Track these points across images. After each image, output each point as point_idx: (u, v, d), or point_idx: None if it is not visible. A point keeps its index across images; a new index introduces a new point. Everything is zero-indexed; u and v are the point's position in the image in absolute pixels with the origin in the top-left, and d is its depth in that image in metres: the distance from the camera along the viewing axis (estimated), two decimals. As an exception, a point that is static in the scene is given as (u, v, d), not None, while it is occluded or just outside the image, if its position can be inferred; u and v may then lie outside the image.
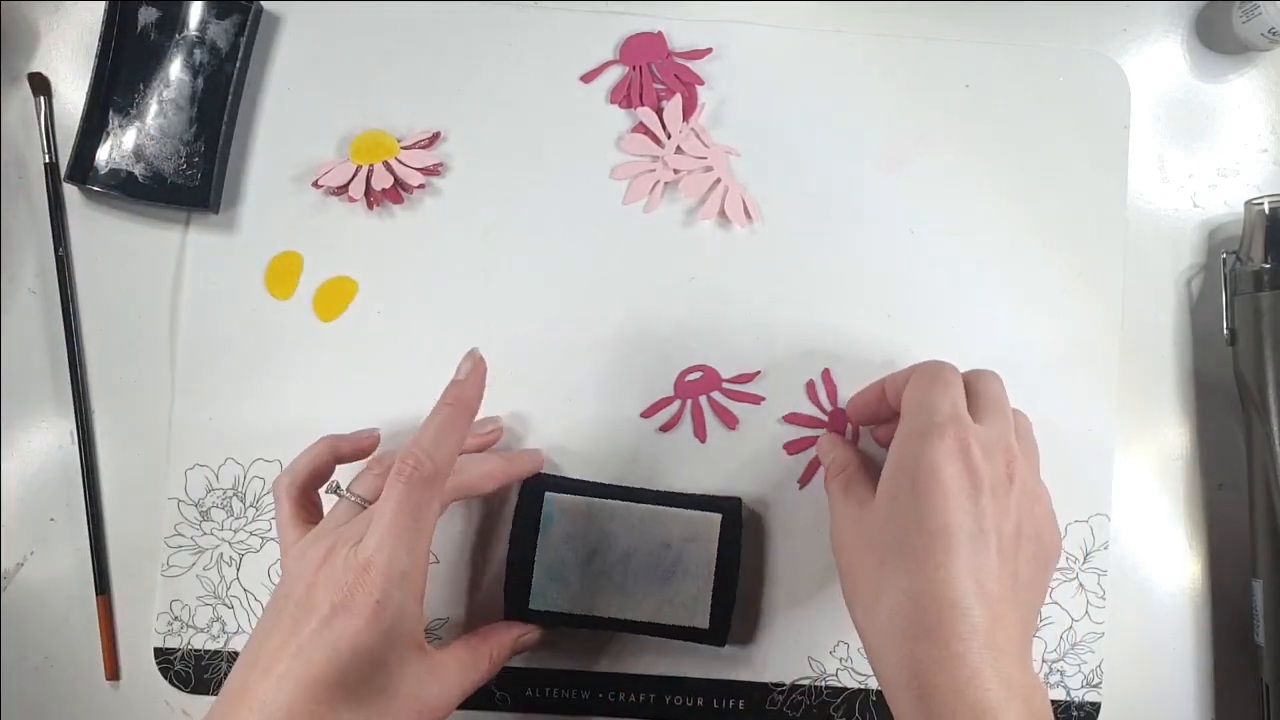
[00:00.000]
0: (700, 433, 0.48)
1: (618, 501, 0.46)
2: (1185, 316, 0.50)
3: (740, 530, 0.46)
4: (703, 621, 0.45)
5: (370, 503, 0.40)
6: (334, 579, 0.36)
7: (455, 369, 0.41)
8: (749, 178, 0.49)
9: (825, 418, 0.48)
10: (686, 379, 0.48)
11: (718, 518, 0.46)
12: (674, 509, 0.46)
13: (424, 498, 0.38)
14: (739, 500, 0.47)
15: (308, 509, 0.43)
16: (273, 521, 0.48)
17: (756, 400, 0.48)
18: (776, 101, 0.50)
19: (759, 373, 0.48)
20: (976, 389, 0.39)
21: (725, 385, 0.48)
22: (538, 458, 0.47)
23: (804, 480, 0.48)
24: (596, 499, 0.46)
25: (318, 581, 0.37)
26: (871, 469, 0.42)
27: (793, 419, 0.48)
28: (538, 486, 0.46)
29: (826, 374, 0.48)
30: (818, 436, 0.48)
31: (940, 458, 0.35)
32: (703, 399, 0.48)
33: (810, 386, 0.48)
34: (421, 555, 0.38)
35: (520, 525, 0.46)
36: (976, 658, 0.32)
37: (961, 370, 0.40)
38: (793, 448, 0.48)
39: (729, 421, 0.48)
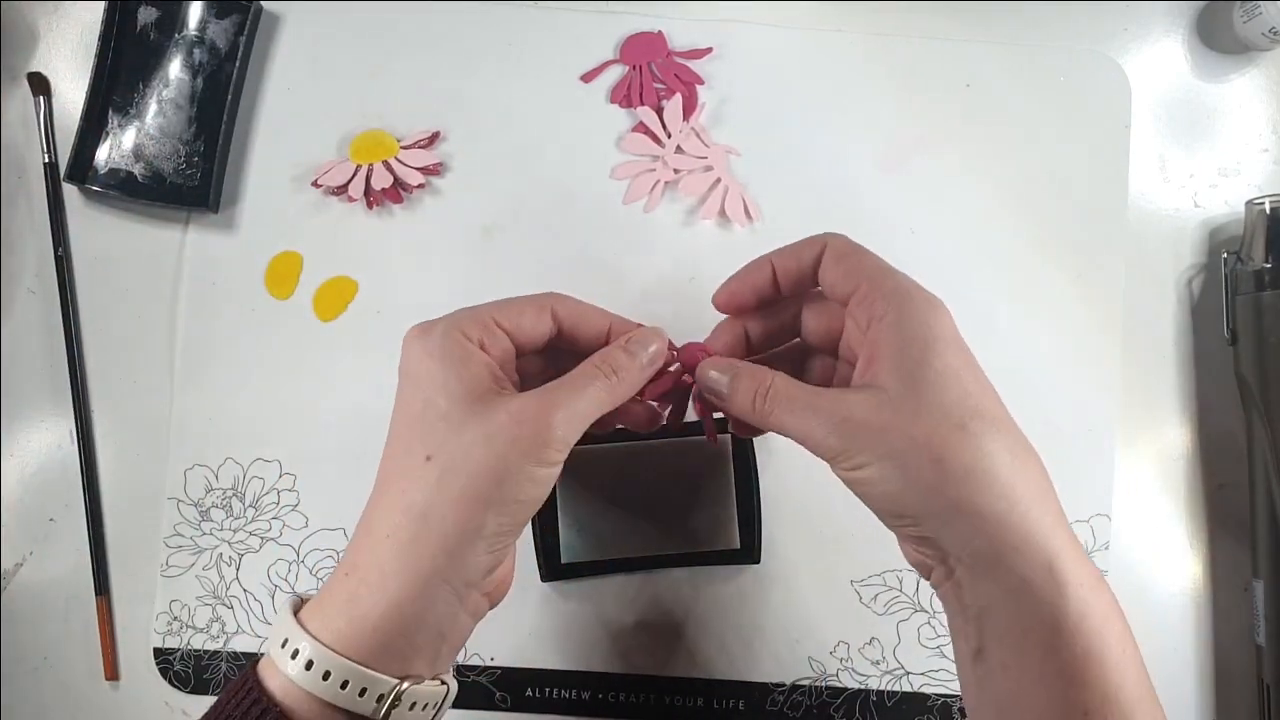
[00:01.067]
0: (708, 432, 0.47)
1: (627, 443, 0.46)
2: (1185, 316, 0.50)
3: (751, 445, 0.46)
4: (733, 542, 0.46)
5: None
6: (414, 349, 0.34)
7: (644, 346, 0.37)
8: (749, 178, 0.49)
9: (698, 344, 0.39)
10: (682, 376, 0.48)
11: (727, 438, 0.46)
12: (683, 439, 0.46)
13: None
14: None
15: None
16: (273, 521, 0.48)
17: None
18: (776, 101, 0.50)
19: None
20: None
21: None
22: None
23: (710, 435, 0.40)
24: (605, 444, 0.46)
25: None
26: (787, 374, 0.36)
27: (653, 393, 0.39)
28: None
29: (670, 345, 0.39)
30: (679, 379, 0.39)
31: (950, 329, 0.34)
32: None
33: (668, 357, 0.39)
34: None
35: None
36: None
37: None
38: (653, 393, 0.38)
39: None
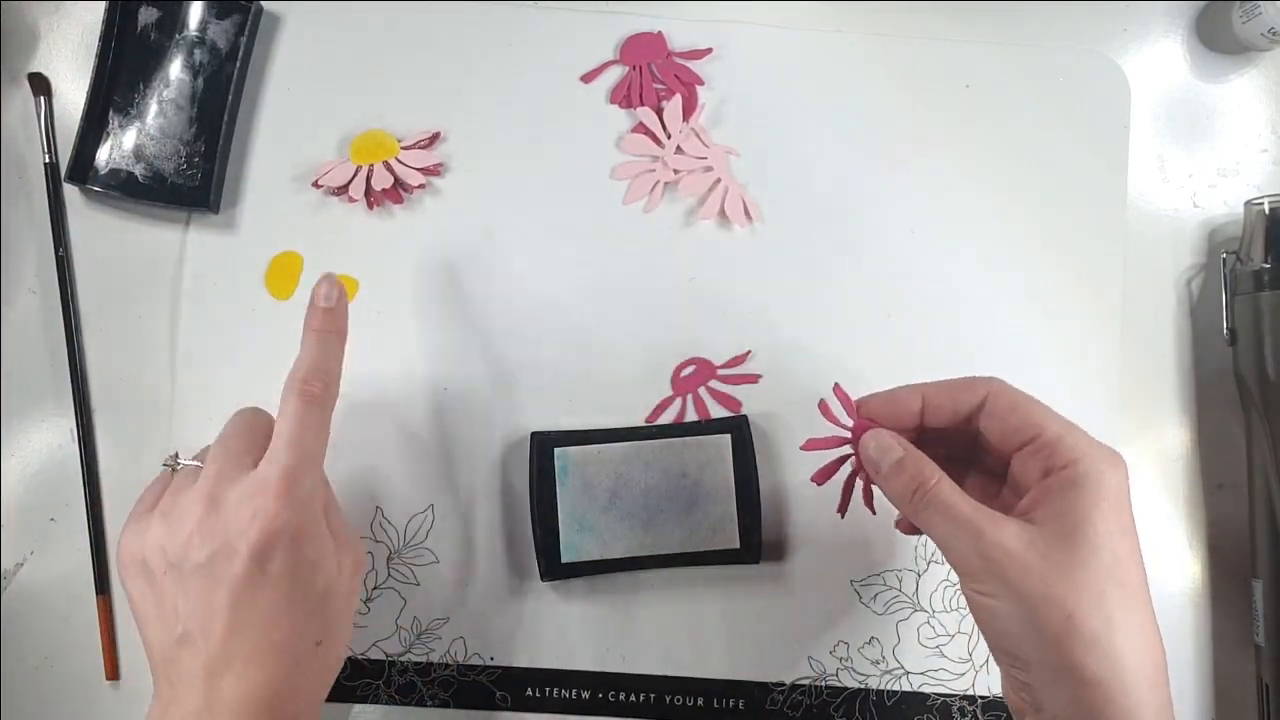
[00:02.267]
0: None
1: (627, 442, 0.47)
2: (1185, 316, 0.50)
3: (751, 446, 0.47)
4: (733, 542, 0.46)
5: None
6: (241, 511, 0.36)
7: (314, 294, 0.42)
8: (749, 178, 0.49)
9: (848, 434, 0.40)
10: (682, 374, 0.48)
11: (727, 438, 0.46)
12: (683, 438, 0.47)
13: (321, 417, 0.39)
14: (745, 417, 0.47)
15: None
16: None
17: (754, 379, 0.48)
18: (776, 101, 0.50)
19: (749, 352, 0.48)
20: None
21: (720, 372, 0.48)
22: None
23: (842, 508, 0.41)
24: (605, 444, 0.47)
25: (221, 526, 0.36)
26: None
27: (813, 445, 0.40)
28: (546, 444, 0.47)
29: (838, 389, 0.40)
30: (845, 456, 0.40)
31: (1121, 489, 0.34)
32: (701, 390, 0.48)
33: (824, 407, 0.40)
34: (322, 474, 0.39)
35: (538, 485, 0.46)
36: None
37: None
38: (821, 476, 0.41)
39: (732, 406, 0.48)
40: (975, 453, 0.39)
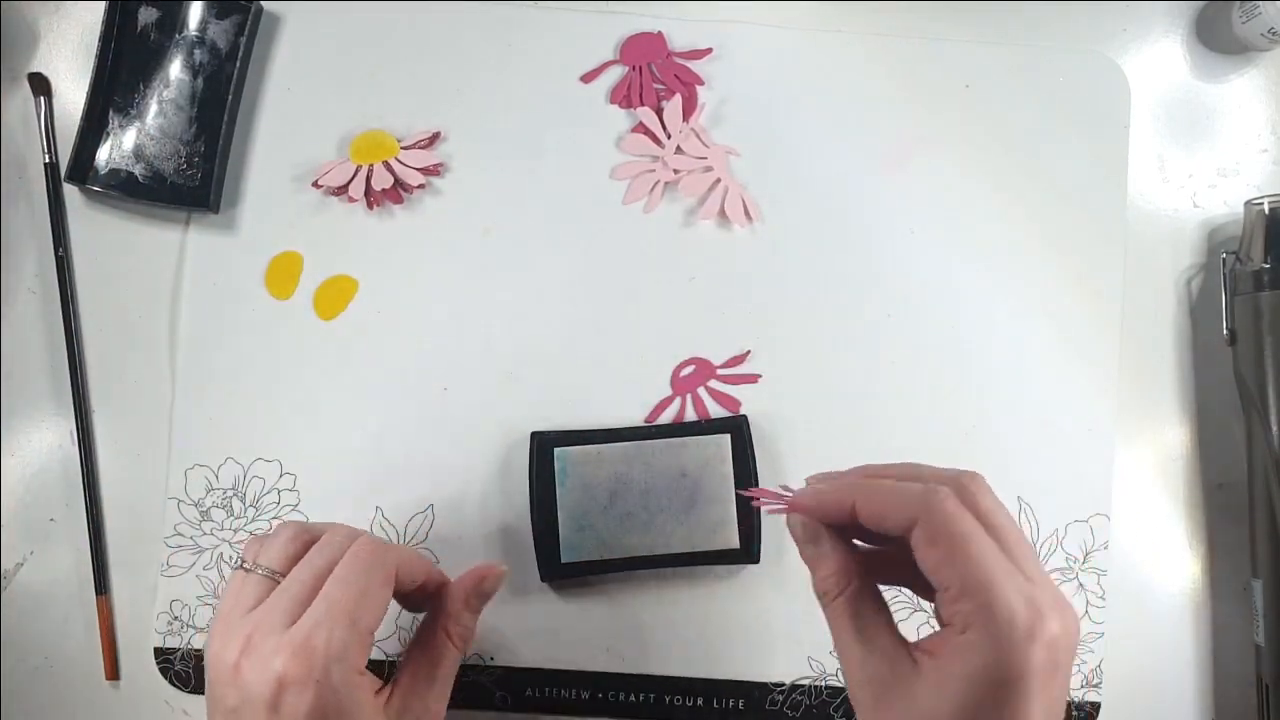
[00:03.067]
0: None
1: (627, 442, 0.47)
2: (1185, 316, 0.50)
3: (751, 446, 0.47)
4: (733, 542, 0.46)
5: (282, 575, 0.37)
6: (263, 669, 0.34)
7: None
8: (749, 178, 0.49)
9: (789, 495, 0.37)
10: (681, 374, 0.48)
11: (727, 438, 0.47)
12: (682, 438, 0.47)
13: (377, 580, 0.36)
14: (745, 417, 0.47)
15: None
16: (273, 521, 0.48)
17: (753, 379, 0.48)
18: (776, 101, 0.50)
19: (749, 352, 0.48)
20: (993, 525, 0.32)
21: (719, 372, 0.48)
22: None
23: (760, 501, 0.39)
24: (605, 444, 0.47)
25: (242, 677, 0.34)
26: (870, 585, 0.35)
27: (753, 493, 0.39)
28: (546, 445, 0.47)
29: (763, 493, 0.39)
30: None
31: (1042, 665, 0.29)
32: (701, 390, 0.48)
33: (757, 492, 0.39)
34: (366, 631, 0.36)
35: (538, 485, 0.46)
36: None
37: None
38: (760, 505, 0.41)
39: (731, 406, 0.48)
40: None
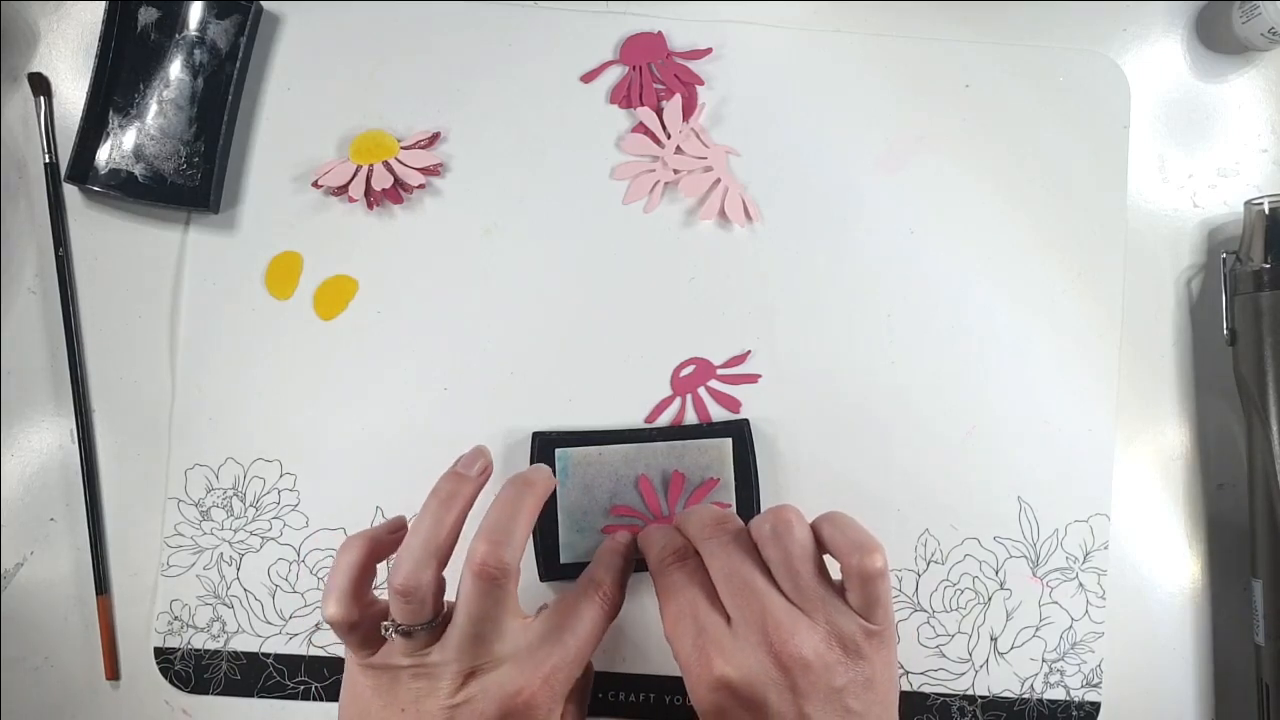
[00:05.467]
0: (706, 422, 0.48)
1: (629, 444, 0.47)
2: (1185, 316, 0.50)
3: (752, 450, 0.47)
4: None
5: (413, 627, 0.37)
6: None
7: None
8: (749, 178, 0.49)
9: (650, 517, 0.46)
10: (681, 374, 0.48)
11: (728, 442, 0.47)
12: (684, 441, 0.47)
13: (496, 597, 0.38)
14: (746, 421, 0.47)
15: (368, 628, 0.39)
16: (273, 521, 0.48)
17: (753, 379, 0.48)
18: (776, 101, 0.50)
19: (749, 352, 0.48)
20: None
21: (719, 372, 0.48)
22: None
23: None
24: (607, 445, 0.47)
25: None
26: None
27: (619, 511, 0.47)
28: (547, 445, 0.47)
29: (677, 476, 0.46)
30: (636, 527, 0.45)
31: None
32: (701, 390, 0.48)
33: (644, 482, 0.46)
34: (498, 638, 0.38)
35: None
36: None
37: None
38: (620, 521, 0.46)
39: (731, 406, 0.48)
40: None
